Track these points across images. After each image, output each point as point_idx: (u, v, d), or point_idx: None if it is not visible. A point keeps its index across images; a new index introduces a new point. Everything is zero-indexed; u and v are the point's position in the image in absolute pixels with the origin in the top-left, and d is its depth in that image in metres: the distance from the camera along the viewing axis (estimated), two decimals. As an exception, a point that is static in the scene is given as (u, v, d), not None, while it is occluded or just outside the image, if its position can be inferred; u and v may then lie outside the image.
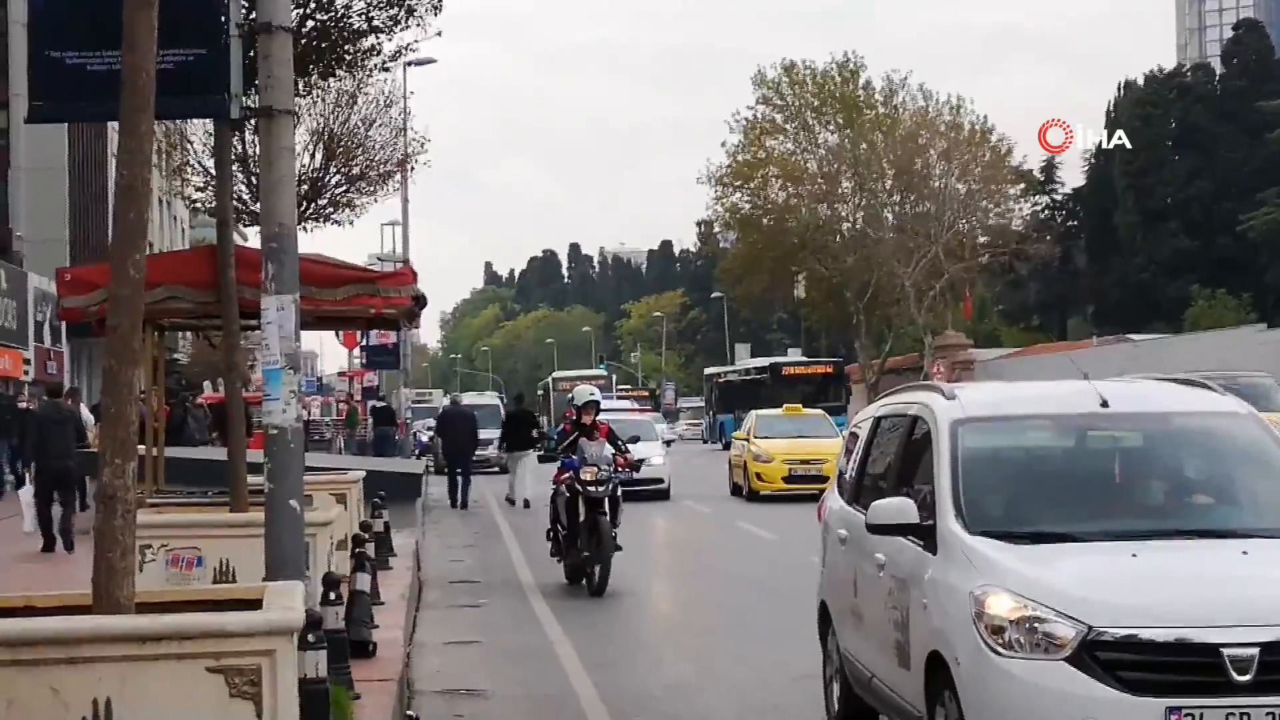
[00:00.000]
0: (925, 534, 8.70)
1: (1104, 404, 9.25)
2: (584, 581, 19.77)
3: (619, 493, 20.21)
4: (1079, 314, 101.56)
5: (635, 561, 22.02)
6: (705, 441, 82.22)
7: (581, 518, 19.67)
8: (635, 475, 29.05)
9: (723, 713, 12.25)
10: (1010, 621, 7.67)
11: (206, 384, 54.38)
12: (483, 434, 51.41)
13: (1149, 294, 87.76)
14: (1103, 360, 58.65)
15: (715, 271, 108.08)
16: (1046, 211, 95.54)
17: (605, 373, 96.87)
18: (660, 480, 35.62)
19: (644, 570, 21.91)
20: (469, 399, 65.27)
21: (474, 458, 46.65)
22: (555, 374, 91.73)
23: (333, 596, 11.04)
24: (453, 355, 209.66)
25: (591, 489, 19.71)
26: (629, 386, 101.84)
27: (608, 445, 20.31)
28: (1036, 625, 7.63)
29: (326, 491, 17.07)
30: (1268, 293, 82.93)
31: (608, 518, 19.58)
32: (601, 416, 36.74)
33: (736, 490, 37.46)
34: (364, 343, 55.66)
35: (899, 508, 8.89)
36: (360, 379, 67.69)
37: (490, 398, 67.81)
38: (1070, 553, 8.27)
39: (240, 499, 12.85)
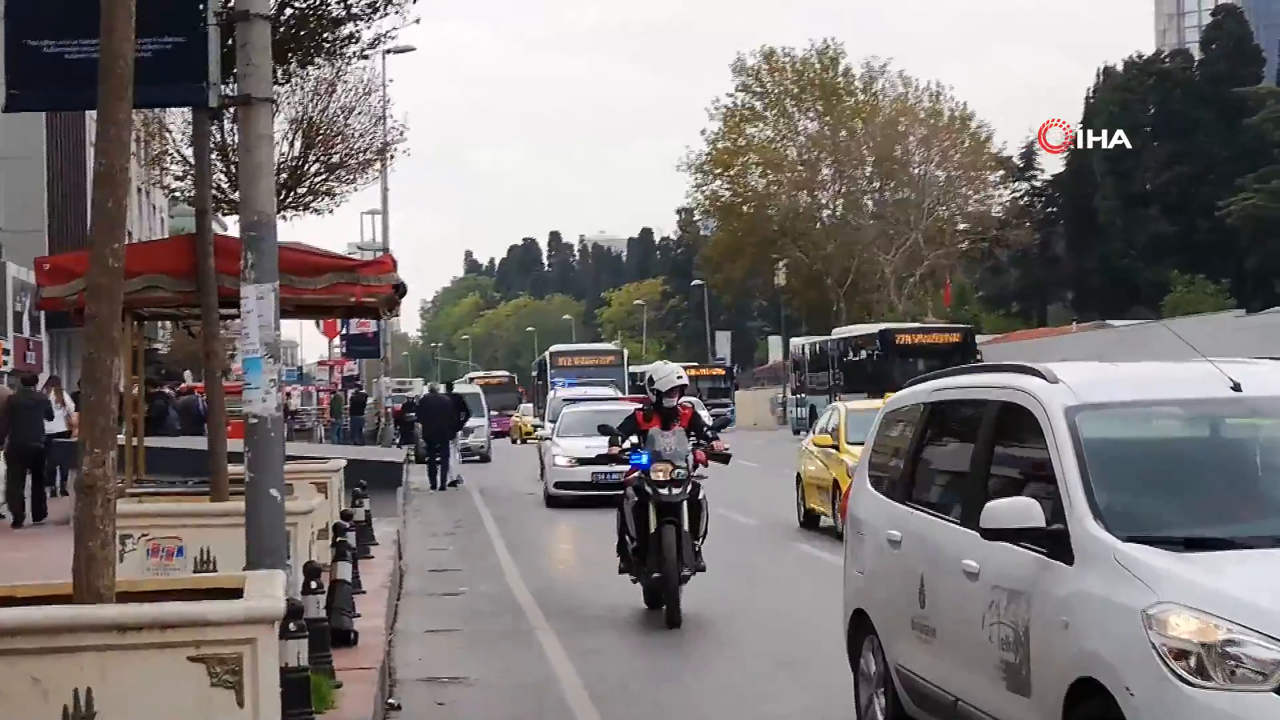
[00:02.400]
0: (1053, 540, 7.54)
1: (1236, 388, 8.11)
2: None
3: (703, 495, 16.52)
4: (1059, 300, 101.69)
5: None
6: (797, 432, 65.74)
7: (653, 527, 16.05)
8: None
9: (706, 700, 12.25)
10: (1202, 645, 6.51)
11: (188, 374, 54.25)
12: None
13: (1128, 279, 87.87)
14: (1078, 345, 58.69)
15: (695, 259, 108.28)
16: (1026, 198, 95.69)
17: (616, 348, 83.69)
18: None
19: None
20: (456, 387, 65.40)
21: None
22: (554, 348, 79.87)
23: (314, 585, 11.00)
24: (433, 344, 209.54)
25: (663, 492, 16.02)
26: (696, 364, 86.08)
27: (685, 436, 16.42)
28: (1232, 649, 6.47)
29: (307, 480, 17.05)
30: (1246, 278, 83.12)
31: (684, 527, 16.08)
32: (581, 407, 34.17)
33: (810, 520, 25.03)
34: (344, 331, 55.63)
35: (1022, 509, 7.66)
36: (341, 368, 67.65)
37: (473, 387, 67.62)
38: (1250, 561, 7.14)
39: (221, 488, 12.83)
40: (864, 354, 56.08)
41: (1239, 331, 48.38)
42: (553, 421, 36.37)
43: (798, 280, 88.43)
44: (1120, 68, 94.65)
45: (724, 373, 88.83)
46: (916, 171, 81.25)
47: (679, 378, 16.68)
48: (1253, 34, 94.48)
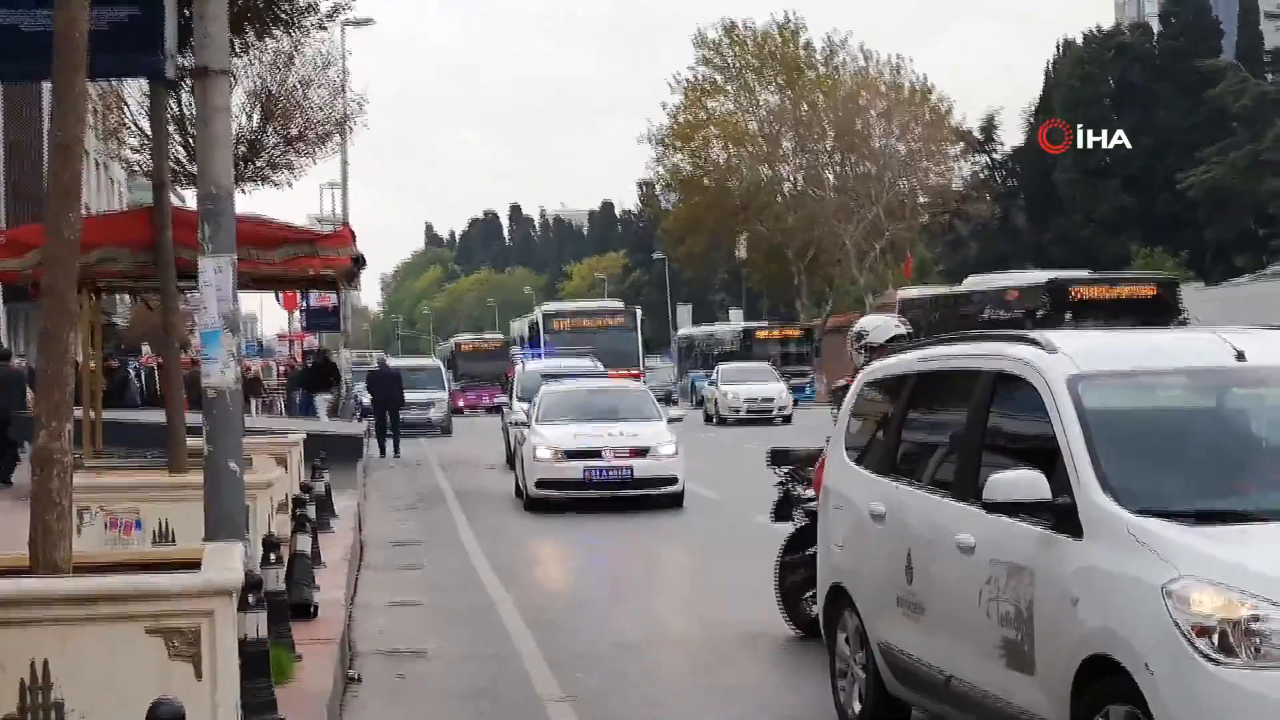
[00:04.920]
0: (1059, 513, 7.34)
1: (1239, 356, 7.93)
2: None
3: None
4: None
5: (582, 527, 22.03)
6: None
7: None
8: (635, 473, 23.79)
9: (668, 671, 12.29)
10: (1229, 622, 6.37)
11: (146, 347, 54.02)
12: (421, 395, 51.65)
13: (1089, 252, 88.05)
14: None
15: (657, 232, 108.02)
16: (986, 171, 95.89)
17: (625, 306, 69.94)
18: (671, 479, 24.33)
19: (590, 533, 21.89)
20: (410, 361, 65.10)
21: (418, 419, 47.69)
22: (548, 307, 67.76)
23: (273, 558, 11.00)
24: (394, 317, 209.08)
25: None
26: (766, 324, 75.65)
27: None
28: (1257, 625, 6.34)
29: (267, 453, 17.03)
30: (1206, 250, 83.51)
31: None
32: (565, 385, 28.30)
33: None
34: (304, 305, 55.46)
35: (1028, 482, 7.42)
36: (301, 341, 67.43)
37: (432, 360, 67.24)
38: (1267, 535, 6.96)
39: (179, 461, 12.81)
40: (1020, 312, 43.81)
41: (1201, 304, 48.50)
42: (523, 400, 31.43)
43: (759, 253, 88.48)
44: (1080, 41, 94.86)
45: (803, 334, 73.93)
46: (877, 145, 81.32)
47: (897, 326, 13.21)
48: (1211, 7, 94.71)
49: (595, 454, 24.19)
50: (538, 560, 19.21)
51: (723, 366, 57.29)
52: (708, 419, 52.92)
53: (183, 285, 14.26)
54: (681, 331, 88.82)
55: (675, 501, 24.12)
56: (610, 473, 24.04)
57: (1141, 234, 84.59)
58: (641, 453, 24.03)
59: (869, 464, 9.77)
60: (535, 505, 24.54)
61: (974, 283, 48.87)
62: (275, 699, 9.09)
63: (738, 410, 51.68)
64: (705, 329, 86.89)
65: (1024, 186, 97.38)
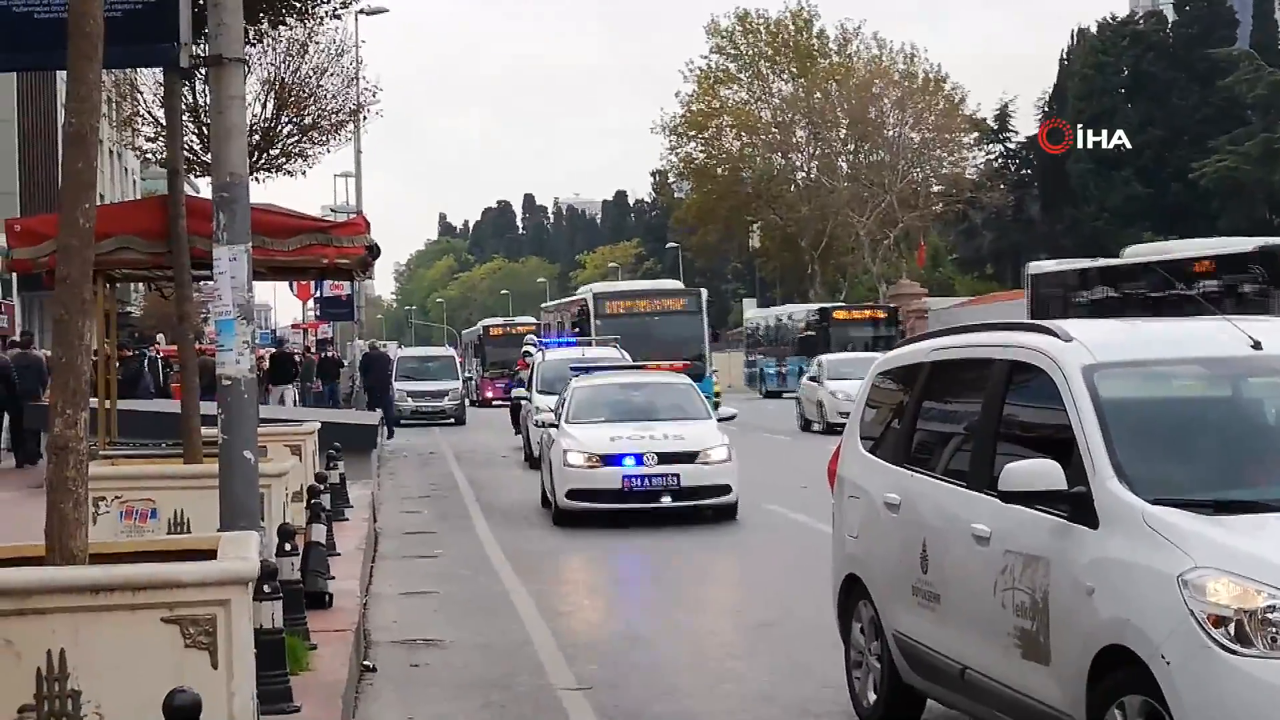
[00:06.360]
0: (1075, 503, 7.30)
1: (1256, 346, 7.85)
2: None
3: None
4: (1033, 262, 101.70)
5: (592, 516, 22.01)
6: None
7: None
8: (681, 481, 20.79)
9: (678, 661, 12.28)
10: (1245, 612, 6.32)
11: (160, 336, 54.13)
12: (434, 384, 51.84)
13: (1102, 241, 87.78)
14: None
15: (670, 221, 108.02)
16: (1000, 160, 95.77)
17: (681, 285, 61.40)
18: (724, 488, 21.20)
19: (601, 522, 21.87)
20: (423, 351, 65.42)
21: (431, 408, 48.40)
22: (599, 287, 56.89)
23: (288, 547, 11.01)
24: (407, 307, 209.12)
25: None
26: (846, 306, 67.21)
27: None
28: (1274, 615, 6.30)
29: (281, 443, 17.04)
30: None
31: None
32: (598, 379, 24.53)
33: None
34: (318, 294, 55.55)
35: (1043, 471, 7.40)
36: (315, 330, 67.51)
37: (446, 350, 67.25)
38: None
39: (194, 450, 12.81)
40: (1214, 285, 33.27)
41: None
42: (544, 393, 28.86)
43: (772, 243, 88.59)
44: (1094, 29, 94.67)
45: (887, 315, 64.29)
46: (891, 134, 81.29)
47: None
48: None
49: (636, 459, 21.06)
50: (551, 550, 19.18)
51: (827, 358, 44.15)
52: (805, 425, 41.89)
53: (197, 274, 14.26)
54: (747, 315, 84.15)
55: (728, 514, 21.12)
56: (654, 481, 20.92)
57: (1154, 224, 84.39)
58: (689, 458, 20.93)
59: (884, 453, 9.75)
60: (566, 519, 21.26)
61: (1138, 253, 41.40)
62: (291, 688, 9.11)
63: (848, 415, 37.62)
64: (774, 310, 78.61)
65: (1037, 175, 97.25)
